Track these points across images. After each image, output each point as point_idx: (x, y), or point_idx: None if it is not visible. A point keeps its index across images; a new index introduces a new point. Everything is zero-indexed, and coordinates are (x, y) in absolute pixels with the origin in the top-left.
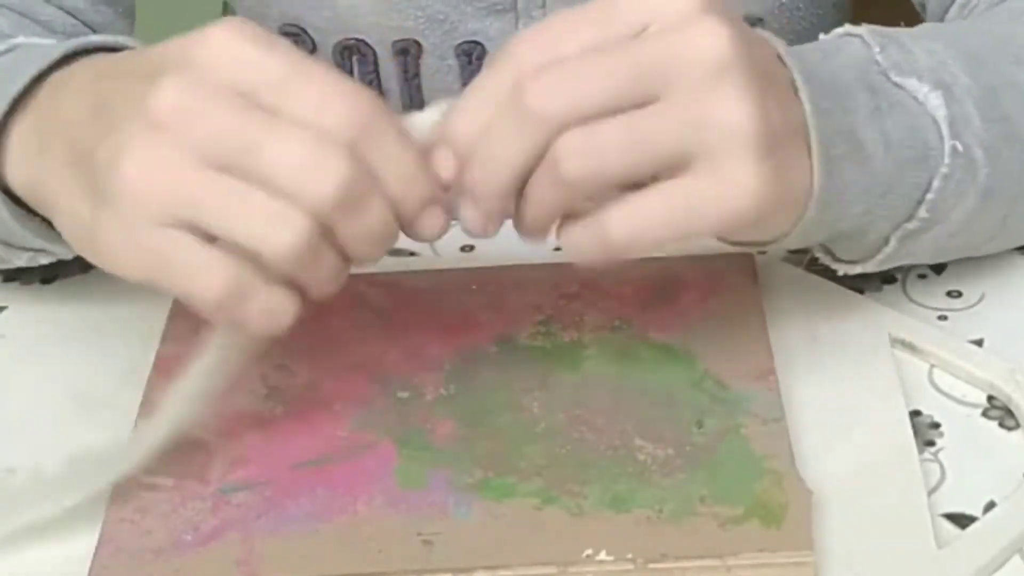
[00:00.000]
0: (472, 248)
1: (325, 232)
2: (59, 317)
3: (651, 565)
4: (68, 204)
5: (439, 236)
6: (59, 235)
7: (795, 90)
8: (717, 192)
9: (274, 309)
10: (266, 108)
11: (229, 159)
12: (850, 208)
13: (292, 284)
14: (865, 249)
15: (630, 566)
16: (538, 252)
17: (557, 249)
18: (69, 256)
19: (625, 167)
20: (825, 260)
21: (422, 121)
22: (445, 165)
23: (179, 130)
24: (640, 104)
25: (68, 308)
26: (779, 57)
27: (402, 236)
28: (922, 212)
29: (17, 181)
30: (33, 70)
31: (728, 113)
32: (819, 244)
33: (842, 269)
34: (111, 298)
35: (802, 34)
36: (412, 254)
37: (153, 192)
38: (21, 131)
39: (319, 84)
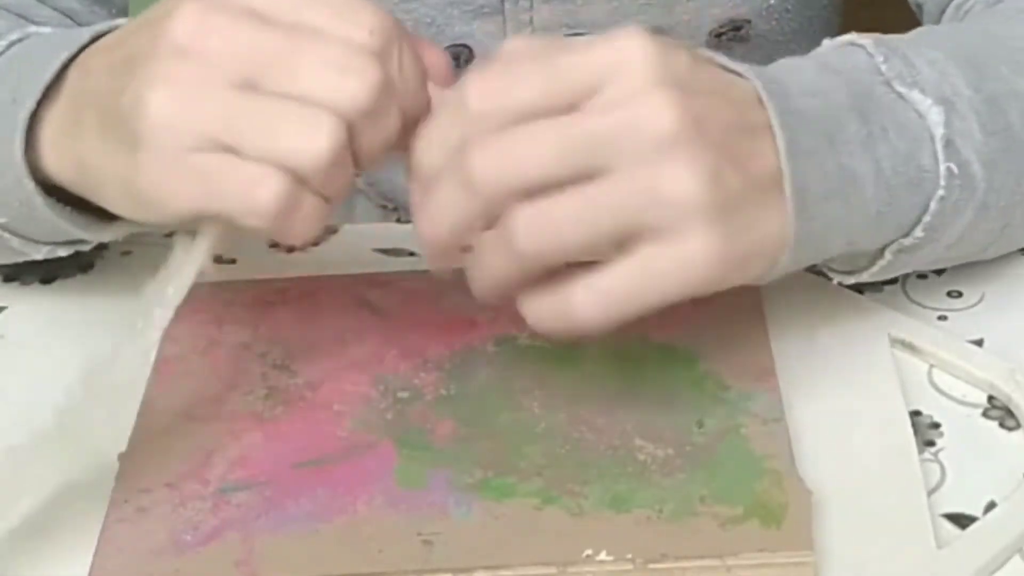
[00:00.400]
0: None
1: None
2: (59, 317)
3: (651, 565)
4: (109, 167)
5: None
6: (90, 221)
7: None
8: (675, 264)
9: (316, 218)
10: (287, 25)
11: (257, 75)
12: (834, 242)
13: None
14: (858, 264)
15: (630, 566)
16: None
17: None
18: (92, 244)
19: (580, 240)
20: (821, 268)
21: None
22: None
23: (202, 53)
24: (585, 176)
25: (68, 308)
26: (759, 99)
27: (402, 235)
28: (918, 232)
29: (56, 167)
30: (64, 55)
31: (677, 185)
32: None
33: (837, 279)
34: (111, 298)
35: (792, 36)
36: (412, 254)
37: (185, 118)
38: (55, 116)
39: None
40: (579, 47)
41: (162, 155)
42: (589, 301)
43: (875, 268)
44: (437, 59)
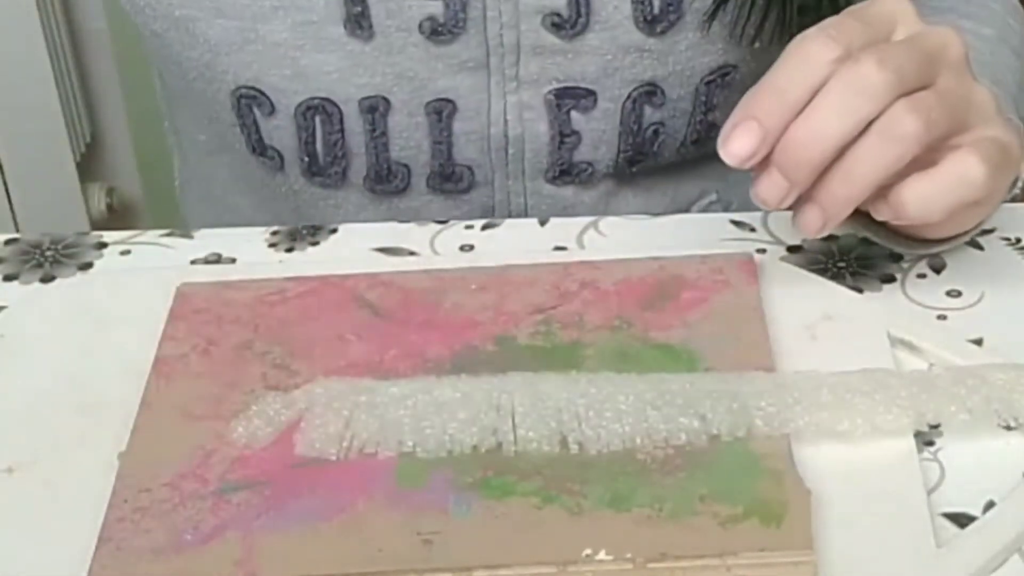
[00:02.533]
0: (472, 248)
1: None
2: (59, 317)
3: (650, 564)
4: None
5: None
6: None
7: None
8: (983, 153)
9: None
10: None
11: None
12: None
13: None
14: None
15: (629, 565)
16: (538, 252)
17: (557, 249)
18: None
19: (943, 128)
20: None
21: None
22: (747, 139)
23: None
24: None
25: (68, 308)
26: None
27: (402, 235)
28: None
29: None
30: None
31: (982, 93)
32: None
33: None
34: (111, 298)
35: None
36: (412, 254)
37: None
38: None
39: None
40: (859, 11)
41: None
42: (980, 169)
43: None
44: None
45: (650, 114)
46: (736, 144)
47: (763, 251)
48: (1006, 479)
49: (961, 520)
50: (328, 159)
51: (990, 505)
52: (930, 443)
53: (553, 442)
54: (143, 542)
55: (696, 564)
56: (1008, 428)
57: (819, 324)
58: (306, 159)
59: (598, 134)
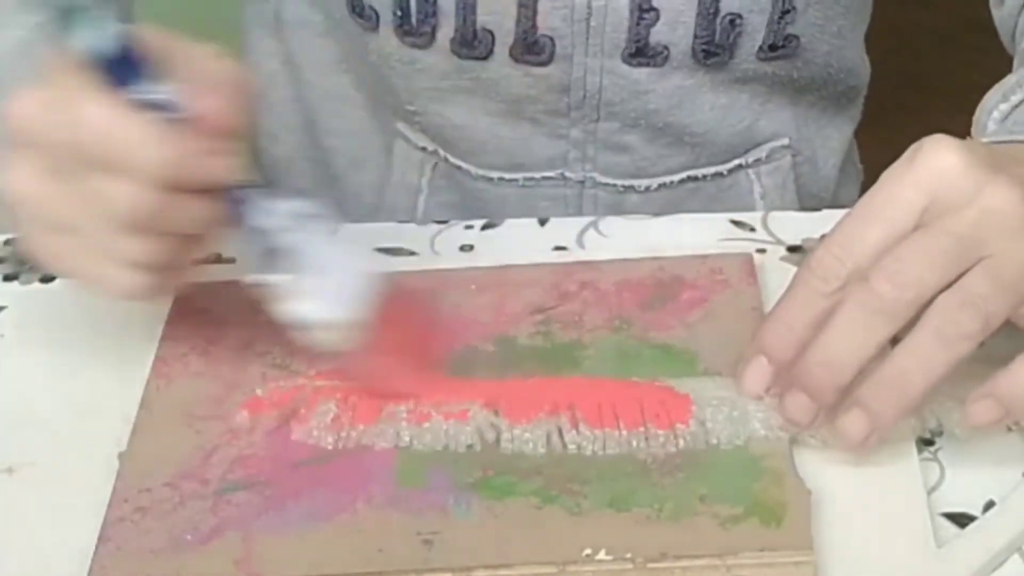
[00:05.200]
0: (472, 248)
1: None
2: (59, 317)
3: (650, 564)
4: None
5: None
6: None
7: None
8: None
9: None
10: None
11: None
12: None
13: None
14: None
15: (629, 565)
16: (538, 252)
17: (557, 249)
18: None
19: (1003, 314)
20: None
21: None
22: (760, 377)
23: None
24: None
25: (68, 308)
26: None
27: (402, 235)
28: None
29: None
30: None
31: None
32: None
33: None
34: (111, 298)
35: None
36: (412, 254)
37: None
38: None
39: None
40: (892, 181)
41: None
42: None
43: None
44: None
45: (728, 1)
46: (749, 382)
47: (763, 251)
48: (1006, 479)
49: (961, 520)
50: (420, 16)
51: (990, 505)
52: (930, 443)
53: (550, 443)
54: (143, 542)
55: (696, 564)
56: (1008, 428)
57: None
58: (399, 14)
59: (676, 13)
